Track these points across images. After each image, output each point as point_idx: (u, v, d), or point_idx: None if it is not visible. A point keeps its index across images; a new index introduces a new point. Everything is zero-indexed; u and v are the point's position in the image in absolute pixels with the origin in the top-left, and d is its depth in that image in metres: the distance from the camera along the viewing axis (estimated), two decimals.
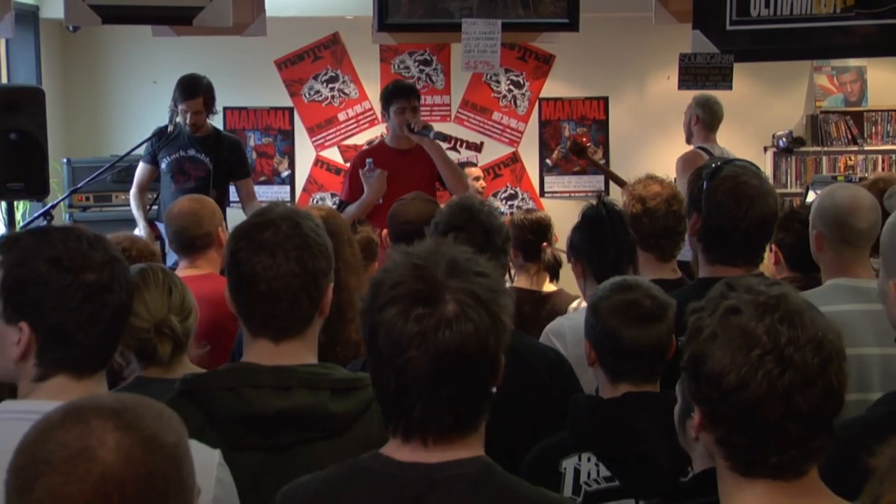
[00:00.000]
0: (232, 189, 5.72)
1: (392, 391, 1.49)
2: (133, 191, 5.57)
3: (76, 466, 1.21)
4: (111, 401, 1.29)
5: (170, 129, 5.49)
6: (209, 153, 5.45)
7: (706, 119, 5.99)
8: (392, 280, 1.49)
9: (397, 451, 1.52)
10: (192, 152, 5.46)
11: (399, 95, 5.25)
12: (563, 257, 4.20)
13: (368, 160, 5.25)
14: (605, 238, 2.99)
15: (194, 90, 5.40)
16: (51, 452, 1.21)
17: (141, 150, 5.61)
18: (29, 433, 1.26)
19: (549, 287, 4.17)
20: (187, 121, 5.40)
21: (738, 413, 1.44)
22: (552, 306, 3.91)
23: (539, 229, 4.21)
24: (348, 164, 7.92)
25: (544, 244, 4.09)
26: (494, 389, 2.48)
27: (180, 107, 5.41)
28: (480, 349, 1.48)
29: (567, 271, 4.19)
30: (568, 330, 2.97)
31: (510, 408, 2.48)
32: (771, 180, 5.85)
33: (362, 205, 5.21)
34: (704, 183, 2.64)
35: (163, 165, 5.50)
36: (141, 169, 5.58)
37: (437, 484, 1.48)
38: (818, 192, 5.59)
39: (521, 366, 2.52)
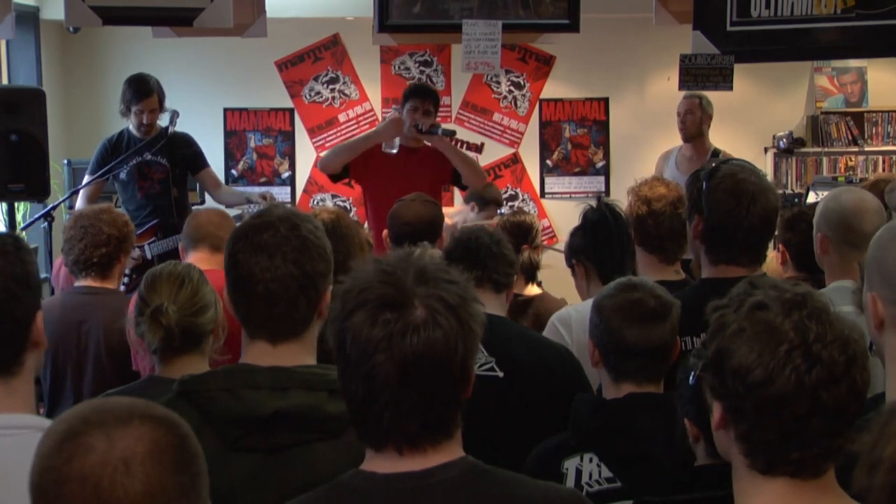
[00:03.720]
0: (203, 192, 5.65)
1: (360, 398, 1.47)
2: (80, 206, 5.19)
3: (159, 456, 1.24)
4: (121, 404, 1.30)
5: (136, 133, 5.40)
6: (164, 154, 5.38)
7: (712, 116, 6.31)
8: (360, 286, 1.48)
9: (375, 464, 1.50)
10: (148, 156, 5.36)
11: (415, 95, 5.24)
12: (541, 261, 4.20)
13: (394, 107, 5.20)
14: (611, 239, 3.00)
15: (148, 89, 5.32)
16: (128, 450, 1.23)
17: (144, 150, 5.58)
18: (60, 452, 1.25)
19: (532, 290, 4.15)
20: (144, 121, 5.32)
21: (763, 408, 1.44)
22: (536, 310, 3.90)
23: (520, 231, 4.18)
24: None
25: (524, 245, 4.06)
26: (502, 374, 2.50)
27: (134, 108, 5.32)
28: (449, 356, 1.45)
29: (544, 274, 4.18)
30: (574, 319, 2.98)
31: (518, 402, 2.49)
32: (771, 181, 5.86)
33: (363, 139, 5.17)
34: (703, 184, 2.64)
35: (122, 175, 5.38)
36: (88, 182, 5.33)
37: (428, 490, 1.46)
38: (818, 193, 5.61)
39: (531, 361, 2.53)
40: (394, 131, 5.11)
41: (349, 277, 1.52)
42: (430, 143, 5.23)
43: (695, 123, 6.19)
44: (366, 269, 1.50)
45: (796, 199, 7.48)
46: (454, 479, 1.48)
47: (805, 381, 1.42)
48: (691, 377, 1.92)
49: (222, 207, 5.15)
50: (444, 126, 5.32)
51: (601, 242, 3.02)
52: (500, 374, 2.49)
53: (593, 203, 3.21)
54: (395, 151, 5.13)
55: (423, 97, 5.23)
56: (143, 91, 5.32)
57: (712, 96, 5.96)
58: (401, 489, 1.47)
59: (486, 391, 2.40)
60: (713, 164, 2.69)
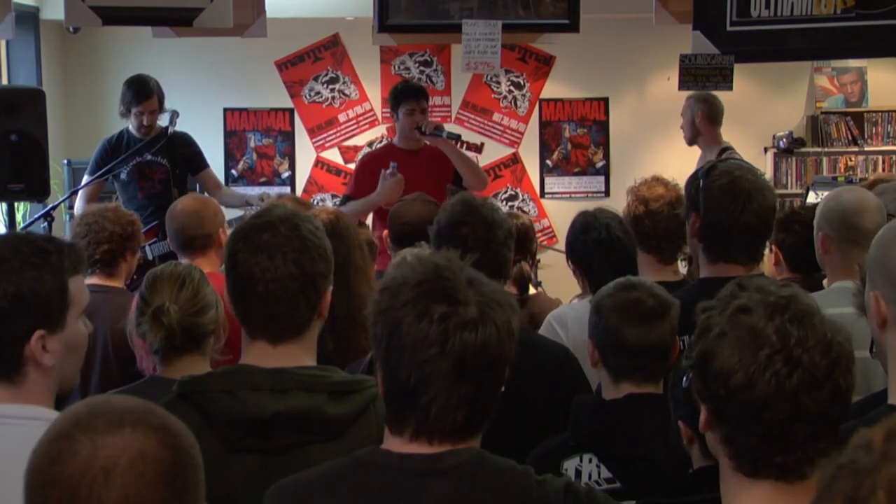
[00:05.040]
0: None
1: (410, 388, 1.51)
2: (79, 206, 5.24)
3: (142, 467, 1.23)
4: (115, 405, 1.29)
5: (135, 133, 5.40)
6: (164, 154, 5.40)
7: (710, 112, 5.83)
8: (416, 279, 1.52)
9: (397, 446, 1.55)
10: (148, 156, 5.37)
11: (408, 97, 5.22)
12: (541, 261, 4.15)
13: (393, 164, 5.14)
14: (611, 262, 2.98)
15: (148, 90, 5.33)
16: (109, 459, 1.22)
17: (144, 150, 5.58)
18: (47, 453, 1.25)
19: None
20: (144, 122, 5.33)
21: (745, 412, 1.44)
22: (530, 310, 3.89)
23: (518, 239, 4.11)
24: (350, 165, 7.95)
25: (516, 256, 3.99)
26: (504, 388, 2.52)
27: (134, 110, 5.32)
28: (499, 352, 1.53)
29: (543, 274, 4.15)
30: (570, 318, 2.99)
31: (517, 403, 2.48)
32: (771, 181, 5.81)
33: (367, 203, 5.12)
34: (700, 182, 2.65)
35: (122, 176, 5.38)
36: (88, 182, 5.31)
37: (438, 472, 1.52)
38: (819, 193, 5.59)
39: (529, 361, 2.53)
40: (397, 194, 5.03)
41: (397, 272, 1.56)
42: (430, 144, 5.22)
43: (687, 126, 5.85)
44: (414, 264, 1.56)
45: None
46: (462, 465, 1.53)
47: (785, 386, 1.41)
48: (684, 379, 1.93)
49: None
50: (448, 129, 5.31)
51: (599, 266, 3.01)
52: (502, 388, 2.48)
53: (597, 214, 3.14)
54: (395, 178, 5.06)
55: (416, 97, 5.22)
56: (143, 93, 5.33)
57: None
58: (413, 469, 1.52)
59: None
60: (710, 163, 2.71)
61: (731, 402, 1.45)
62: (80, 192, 5.31)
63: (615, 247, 3.02)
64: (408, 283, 1.53)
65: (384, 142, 7.59)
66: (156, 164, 5.41)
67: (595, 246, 3.03)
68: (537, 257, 4.17)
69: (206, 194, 5.86)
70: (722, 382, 1.45)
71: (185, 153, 5.51)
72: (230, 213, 5.65)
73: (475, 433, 1.56)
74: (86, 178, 5.37)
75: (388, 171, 5.07)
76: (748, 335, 1.45)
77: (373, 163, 5.31)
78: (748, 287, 1.51)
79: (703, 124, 5.83)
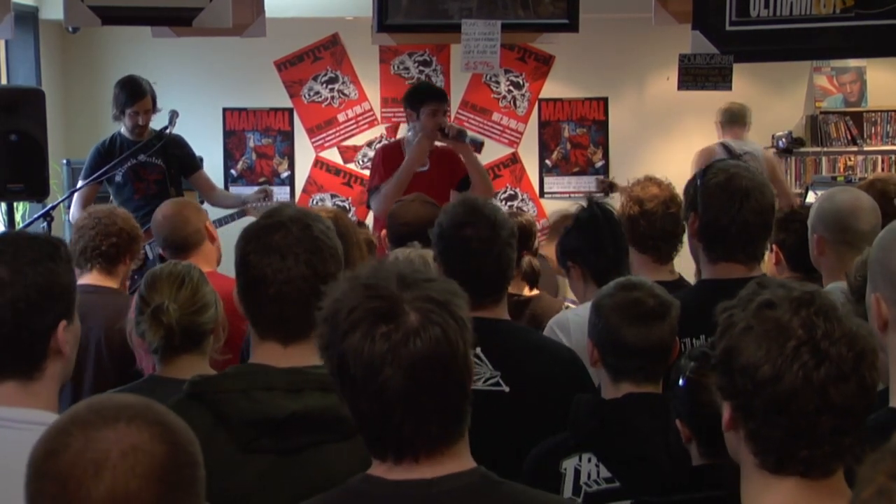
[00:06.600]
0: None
1: (375, 416, 1.46)
2: (74, 211, 5.26)
3: (133, 461, 1.23)
4: (119, 402, 1.30)
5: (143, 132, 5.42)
6: (158, 155, 5.41)
7: (722, 119, 6.68)
8: (348, 306, 1.46)
9: (388, 472, 1.49)
10: (142, 157, 5.38)
11: (433, 98, 5.21)
12: (541, 266, 4.17)
13: (412, 123, 5.18)
14: (603, 238, 3.00)
15: (142, 90, 5.35)
16: (100, 452, 1.22)
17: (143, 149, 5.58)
18: (44, 447, 1.25)
19: (529, 290, 4.13)
20: (139, 122, 5.35)
21: (772, 405, 1.44)
22: (532, 311, 3.89)
23: (521, 236, 4.14)
24: (350, 165, 7.96)
25: (524, 252, 4.02)
26: (508, 389, 2.49)
27: (128, 110, 5.33)
28: (452, 351, 1.45)
29: (545, 280, 4.16)
30: (572, 323, 2.99)
31: (523, 404, 2.48)
32: None
33: (401, 174, 5.01)
34: (698, 181, 2.65)
35: (118, 178, 5.39)
36: (83, 188, 5.31)
37: (436, 498, 1.46)
38: (818, 192, 5.62)
39: (535, 363, 2.53)
40: (426, 153, 5.08)
41: (329, 300, 1.50)
42: (451, 146, 5.21)
43: None
44: (345, 288, 1.48)
45: None
46: (464, 488, 1.47)
47: (813, 378, 1.42)
48: (681, 379, 1.93)
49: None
50: (471, 134, 5.31)
51: (594, 241, 3.02)
52: (506, 389, 2.48)
53: (584, 204, 3.20)
54: (426, 169, 5.12)
55: (440, 99, 5.23)
56: (137, 93, 5.34)
57: (712, 96, 5.96)
58: (410, 496, 1.46)
59: (492, 407, 2.36)
60: (709, 163, 2.72)
61: (758, 395, 1.45)
62: (74, 197, 5.31)
63: (596, 222, 3.05)
64: (340, 312, 1.46)
65: (383, 142, 7.59)
66: (151, 164, 5.42)
67: (578, 228, 3.06)
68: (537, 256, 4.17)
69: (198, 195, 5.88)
70: (749, 376, 1.45)
71: (177, 154, 5.52)
72: (223, 213, 5.68)
73: (457, 437, 1.49)
74: (80, 183, 5.37)
75: (408, 135, 5.08)
76: (774, 328, 1.44)
77: (392, 155, 5.27)
78: (769, 284, 1.52)
79: (720, 130, 6.75)
